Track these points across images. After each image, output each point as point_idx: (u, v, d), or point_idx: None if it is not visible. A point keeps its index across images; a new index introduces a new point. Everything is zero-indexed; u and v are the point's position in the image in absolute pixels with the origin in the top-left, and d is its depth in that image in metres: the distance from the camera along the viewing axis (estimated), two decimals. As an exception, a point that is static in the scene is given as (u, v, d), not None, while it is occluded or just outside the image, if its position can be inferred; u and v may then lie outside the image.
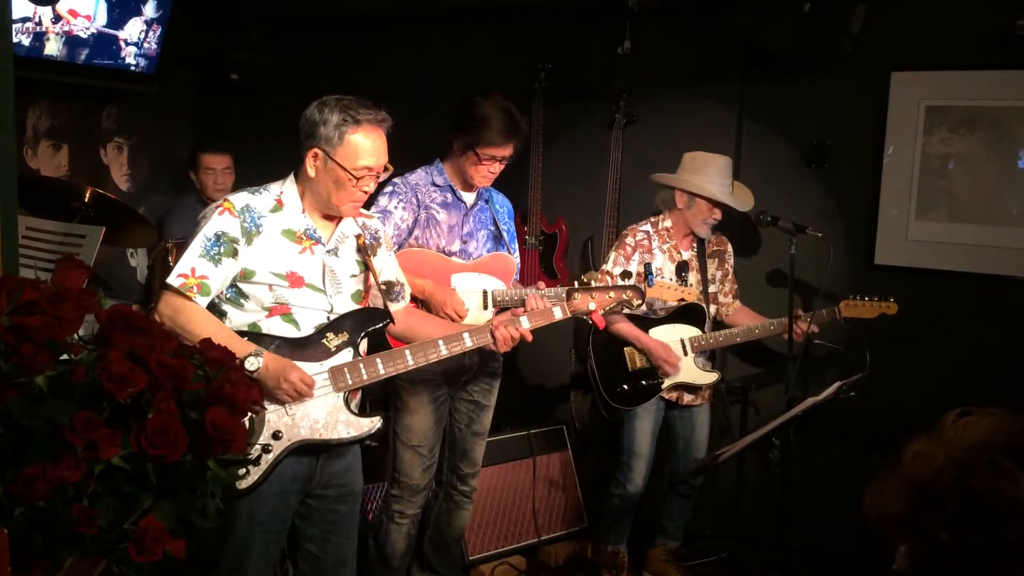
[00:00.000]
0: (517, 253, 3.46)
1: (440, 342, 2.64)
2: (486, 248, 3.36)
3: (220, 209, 2.42)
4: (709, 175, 3.67)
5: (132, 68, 4.42)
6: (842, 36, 3.76)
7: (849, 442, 3.96)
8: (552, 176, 4.56)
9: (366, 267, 2.59)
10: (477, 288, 3.26)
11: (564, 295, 2.94)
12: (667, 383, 3.74)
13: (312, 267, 2.47)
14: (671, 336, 3.74)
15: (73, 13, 4.05)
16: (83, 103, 4.62)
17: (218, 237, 2.38)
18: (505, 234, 3.40)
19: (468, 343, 2.67)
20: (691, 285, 3.78)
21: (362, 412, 2.54)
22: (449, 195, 3.29)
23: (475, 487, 3.54)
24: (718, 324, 3.92)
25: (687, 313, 3.76)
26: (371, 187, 2.47)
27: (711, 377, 3.81)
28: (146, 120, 4.95)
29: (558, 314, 2.88)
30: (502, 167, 3.24)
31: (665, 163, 3.86)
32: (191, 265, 2.36)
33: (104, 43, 4.25)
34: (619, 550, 3.97)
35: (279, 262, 2.42)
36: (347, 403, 2.48)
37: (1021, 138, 3.75)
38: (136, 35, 4.37)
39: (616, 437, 3.90)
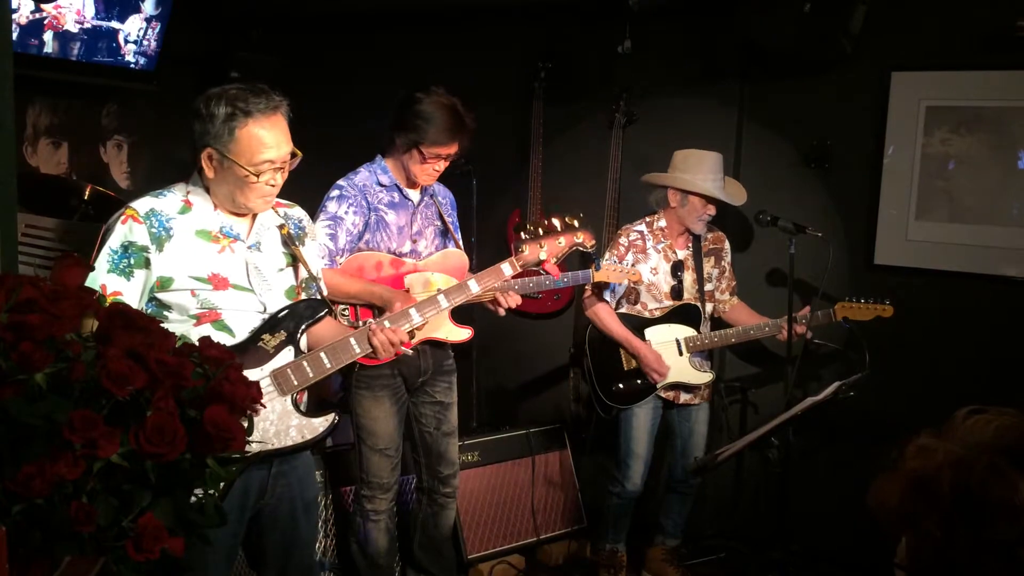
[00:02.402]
0: (461, 244, 3.41)
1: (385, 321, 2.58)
2: (435, 245, 3.33)
3: (123, 218, 2.21)
4: (701, 172, 3.68)
5: (132, 66, 4.42)
6: (842, 37, 3.76)
7: (848, 442, 3.96)
8: (551, 175, 4.56)
9: (294, 259, 2.43)
10: (431, 288, 3.22)
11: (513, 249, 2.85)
12: (662, 382, 3.74)
13: (235, 266, 2.29)
14: (666, 336, 3.74)
15: (58, 8, 4.03)
16: (83, 101, 4.61)
17: (125, 248, 2.19)
18: (451, 227, 3.36)
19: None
20: (687, 284, 3.78)
21: (314, 411, 2.39)
22: (396, 194, 3.22)
23: (456, 486, 3.52)
24: (716, 321, 3.92)
25: (683, 313, 3.77)
26: (279, 179, 2.28)
27: (706, 377, 3.82)
28: (146, 118, 4.94)
29: (507, 270, 2.81)
30: (447, 164, 3.18)
31: (664, 163, 3.86)
32: (101, 282, 2.16)
33: (102, 39, 4.24)
34: (618, 549, 3.97)
35: (198, 265, 2.24)
36: (296, 406, 2.34)
37: (1021, 139, 3.74)
38: (136, 33, 4.37)
39: (614, 437, 3.91)
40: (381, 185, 3.21)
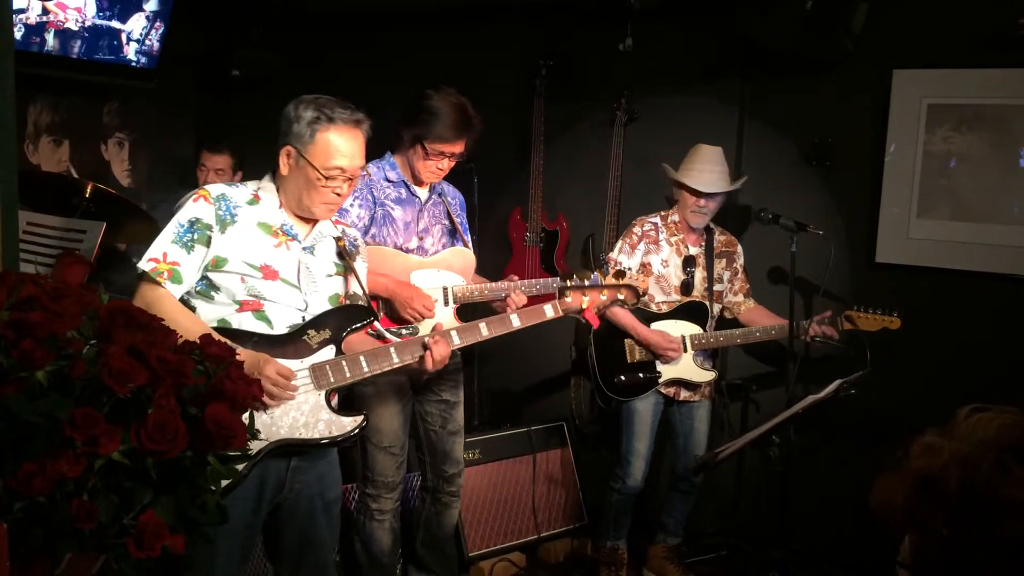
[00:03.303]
0: (471, 245, 3.42)
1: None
2: (442, 243, 3.33)
3: (195, 196, 2.36)
4: (688, 162, 3.73)
5: (133, 64, 4.42)
6: (844, 35, 3.76)
7: (850, 440, 3.96)
8: (553, 173, 4.56)
9: (345, 270, 2.54)
10: (437, 285, 3.22)
11: (556, 292, 2.92)
12: (664, 376, 3.75)
13: (287, 262, 2.41)
14: (672, 332, 3.75)
15: (61, 6, 4.04)
16: (84, 99, 4.62)
17: (192, 224, 2.32)
18: (459, 227, 3.37)
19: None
20: (697, 281, 3.79)
21: (343, 410, 2.44)
22: (403, 190, 3.24)
23: (461, 485, 3.52)
24: (727, 322, 3.92)
25: (690, 310, 3.78)
26: (345, 189, 2.40)
27: (708, 376, 3.82)
28: (147, 116, 4.95)
29: (549, 313, 2.85)
30: (452, 163, 3.20)
31: (666, 161, 3.87)
32: (163, 250, 2.30)
33: (103, 37, 4.25)
34: (619, 546, 3.97)
35: (253, 253, 2.36)
36: (328, 402, 2.39)
37: (1022, 136, 3.74)
38: (139, 31, 4.37)
39: (616, 433, 3.91)
40: (388, 181, 3.23)
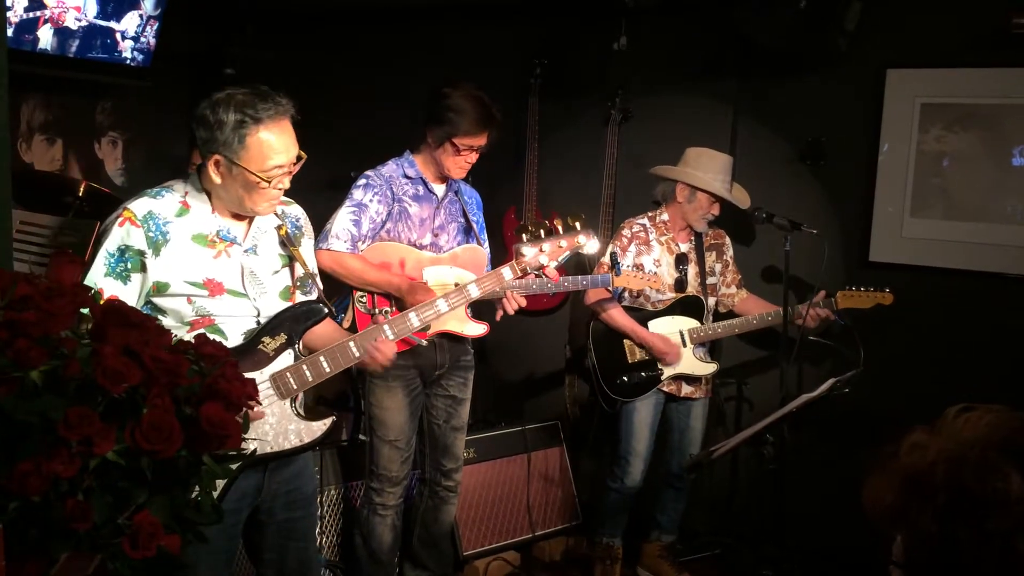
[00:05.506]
0: (487, 245, 3.45)
1: (386, 327, 2.53)
2: (457, 241, 3.36)
3: (120, 219, 2.19)
4: (712, 171, 3.71)
5: (128, 62, 4.41)
6: (838, 34, 3.77)
7: (843, 439, 3.96)
8: (547, 172, 4.56)
9: (290, 259, 2.42)
10: (449, 281, 3.25)
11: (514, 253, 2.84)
12: (667, 374, 3.75)
13: (230, 271, 2.28)
14: (670, 328, 3.76)
15: (61, 3, 4.03)
16: (78, 97, 4.60)
17: (121, 252, 2.18)
18: (475, 226, 3.40)
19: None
20: (690, 277, 3.80)
21: (312, 414, 2.38)
22: (421, 188, 3.27)
23: (459, 481, 3.53)
24: (722, 315, 3.93)
25: (686, 305, 3.79)
26: (286, 183, 2.27)
27: (710, 368, 3.83)
28: (141, 115, 4.94)
29: (508, 274, 2.80)
30: (478, 156, 3.23)
31: (660, 159, 3.87)
32: (98, 287, 2.16)
33: (98, 36, 4.23)
34: (614, 544, 3.98)
35: (194, 270, 2.22)
36: (295, 408, 2.34)
37: (1015, 136, 3.75)
38: (133, 29, 4.36)
39: (613, 431, 3.91)
40: (407, 177, 3.26)
